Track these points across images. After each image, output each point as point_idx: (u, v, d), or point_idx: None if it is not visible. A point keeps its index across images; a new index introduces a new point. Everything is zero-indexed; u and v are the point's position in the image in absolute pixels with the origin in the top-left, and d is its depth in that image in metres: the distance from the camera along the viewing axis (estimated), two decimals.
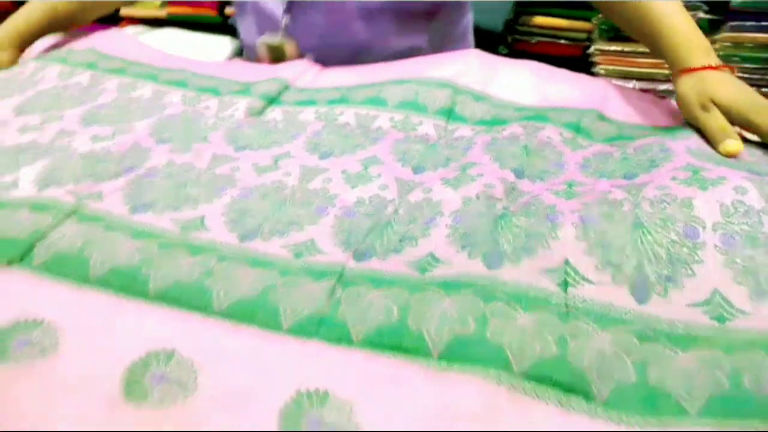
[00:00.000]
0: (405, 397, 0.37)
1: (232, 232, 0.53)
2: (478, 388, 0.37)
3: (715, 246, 0.46)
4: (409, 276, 0.47)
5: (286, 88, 0.85)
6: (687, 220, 0.48)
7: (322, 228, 0.54)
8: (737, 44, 1.57)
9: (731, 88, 0.62)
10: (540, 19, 1.79)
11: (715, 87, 0.62)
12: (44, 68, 0.90)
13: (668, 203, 0.49)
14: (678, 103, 0.69)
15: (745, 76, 1.60)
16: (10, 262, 0.47)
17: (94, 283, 0.46)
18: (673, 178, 0.53)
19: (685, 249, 0.46)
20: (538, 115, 0.73)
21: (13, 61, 0.97)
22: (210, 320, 0.43)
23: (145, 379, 0.38)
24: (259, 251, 0.51)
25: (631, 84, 1.68)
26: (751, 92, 0.62)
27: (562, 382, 0.38)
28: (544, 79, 0.83)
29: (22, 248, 0.48)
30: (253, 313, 0.44)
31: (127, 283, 0.46)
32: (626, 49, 1.74)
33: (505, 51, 1.82)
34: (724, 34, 1.57)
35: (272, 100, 0.82)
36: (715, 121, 0.61)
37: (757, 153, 0.60)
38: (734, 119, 0.61)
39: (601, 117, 0.73)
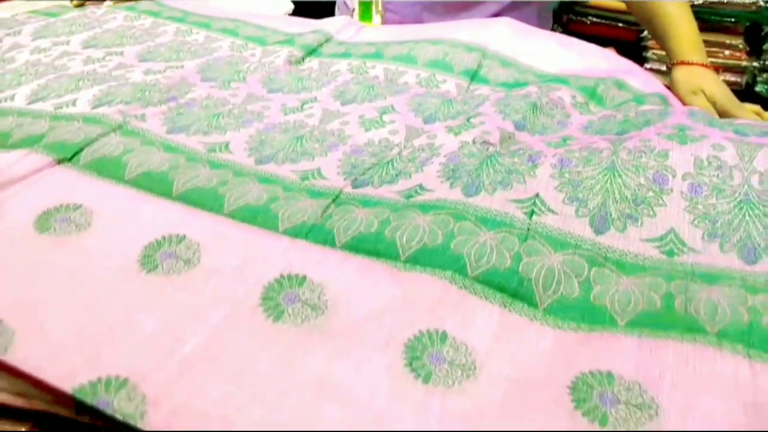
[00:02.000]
0: (369, 285, 0.43)
1: (250, 156, 0.60)
2: (433, 285, 0.43)
3: (682, 193, 0.50)
4: (395, 200, 0.53)
5: (327, 40, 0.91)
6: (659, 168, 0.52)
7: (330, 160, 0.60)
8: None
9: (716, 85, 0.78)
10: (596, 0, 1.78)
11: (704, 80, 0.78)
12: (113, 12, 1.00)
13: (645, 153, 0.53)
14: (671, 87, 0.81)
15: None
16: (60, 161, 0.56)
17: (127, 183, 0.54)
18: (658, 134, 0.56)
19: (651, 193, 0.50)
20: (557, 79, 0.77)
21: None
22: (219, 218, 0.50)
23: (157, 254, 0.46)
24: (270, 172, 0.57)
25: None
26: (729, 90, 0.78)
27: (509, 288, 0.43)
28: (574, 51, 0.86)
29: (72, 150, 0.57)
30: (256, 215, 0.50)
31: (154, 185, 0.54)
32: None
33: (560, 30, 1.83)
34: None
35: (312, 51, 0.88)
36: (701, 102, 0.76)
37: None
38: (716, 109, 0.75)
39: (620, 84, 0.76)
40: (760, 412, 0.34)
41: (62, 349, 0.38)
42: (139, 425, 0.34)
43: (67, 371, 0.37)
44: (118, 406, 0.35)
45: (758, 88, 1.66)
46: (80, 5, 1.13)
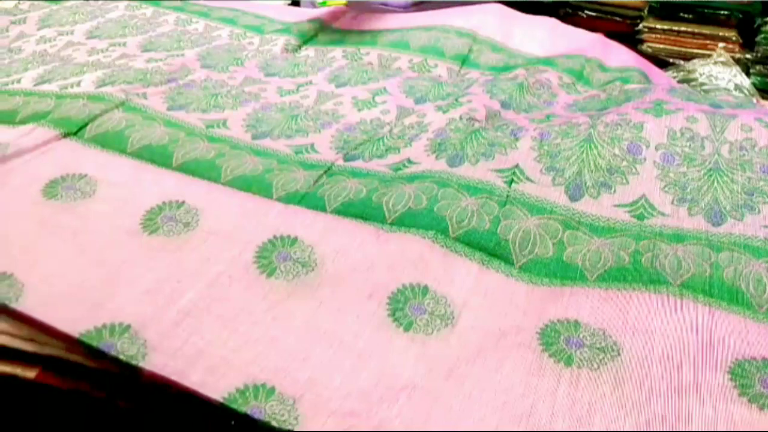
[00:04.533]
0: (356, 245, 0.46)
1: (247, 132, 0.63)
2: (416, 244, 0.46)
3: (655, 162, 0.53)
4: (384, 173, 0.55)
5: (323, 28, 0.94)
6: (633, 139, 0.54)
7: (323, 137, 0.63)
8: None
9: None
10: None
11: None
12: (114, 1, 1.03)
13: (621, 125, 0.56)
14: None
15: None
16: (66, 135, 0.59)
17: (130, 154, 0.57)
18: (636, 108, 0.59)
19: (624, 162, 0.53)
20: (545, 61, 0.79)
21: None
22: (216, 186, 0.53)
23: (158, 218, 0.49)
24: (265, 146, 0.60)
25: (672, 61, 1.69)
26: None
27: (487, 247, 0.46)
28: (560, 35, 0.89)
29: (77, 125, 0.60)
30: (251, 184, 0.53)
31: (155, 156, 0.57)
32: (675, 28, 1.74)
33: None
34: None
35: (308, 39, 0.91)
36: None
37: (734, 93, 0.66)
38: None
39: (603, 67, 0.79)
40: (714, 350, 0.37)
41: (68, 299, 0.41)
42: (141, 365, 0.37)
43: (73, 318, 0.40)
44: (121, 348, 0.38)
45: (752, 79, 1.68)
46: None
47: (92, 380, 0.41)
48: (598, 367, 0.37)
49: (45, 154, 0.56)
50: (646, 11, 1.78)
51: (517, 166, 0.53)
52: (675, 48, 1.73)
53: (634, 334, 0.39)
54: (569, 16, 1.90)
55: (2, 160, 0.54)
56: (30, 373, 0.41)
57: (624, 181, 0.51)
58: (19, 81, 0.73)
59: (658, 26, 1.75)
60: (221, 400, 0.36)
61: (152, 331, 0.39)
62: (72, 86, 0.70)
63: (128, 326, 0.39)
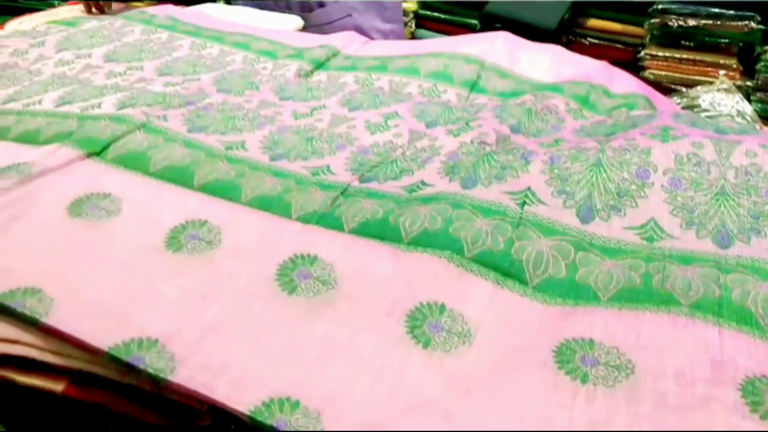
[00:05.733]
0: (374, 263, 0.48)
1: (264, 154, 0.65)
2: (432, 264, 0.47)
3: (663, 186, 0.54)
4: (399, 194, 0.57)
5: (335, 54, 0.97)
6: (642, 164, 0.56)
7: (338, 159, 0.65)
8: None
9: None
10: (595, 22, 1.85)
11: None
12: (130, 25, 1.05)
13: (629, 150, 0.58)
14: None
15: None
16: (89, 155, 0.60)
17: (152, 175, 0.58)
18: (643, 134, 0.61)
19: (633, 186, 0.54)
20: (551, 87, 0.82)
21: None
22: (237, 206, 0.55)
23: (182, 236, 0.50)
24: (283, 167, 0.62)
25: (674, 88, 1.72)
26: None
27: (502, 267, 0.47)
28: (564, 61, 0.92)
29: (101, 146, 0.61)
30: (271, 204, 0.55)
31: (177, 176, 0.58)
32: (676, 55, 1.77)
33: None
34: None
35: (320, 65, 0.93)
36: None
37: (738, 119, 0.67)
38: None
39: (608, 93, 0.81)
40: (724, 368, 0.38)
41: (96, 313, 0.42)
42: (170, 378, 0.38)
43: (102, 333, 0.41)
44: (150, 362, 0.39)
45: (752, 106, 1.70)
46: None
47: (116, 393, 0.42)
48: (614, 385, 0.38)
49: (69, 173, 0.57)
50: (647, 39, 1.82)
51: (528, 188, 0.55)
52: (677, 75, 1.77)
53: (647, 352, 0.40)
54: (572, 43, 1.94)
55: (28, 178, 0.55)
56: (58, 387, 0.42)
57: (633, 204, 0.53)
58: (40, 102, 0.75)
59: (660, 53, 1.80)
60: (248, 413, 0.37)
61: (179, 346, 0.40)
62: (93, 108, 0.72)
63: (156, 340, 0.40)
